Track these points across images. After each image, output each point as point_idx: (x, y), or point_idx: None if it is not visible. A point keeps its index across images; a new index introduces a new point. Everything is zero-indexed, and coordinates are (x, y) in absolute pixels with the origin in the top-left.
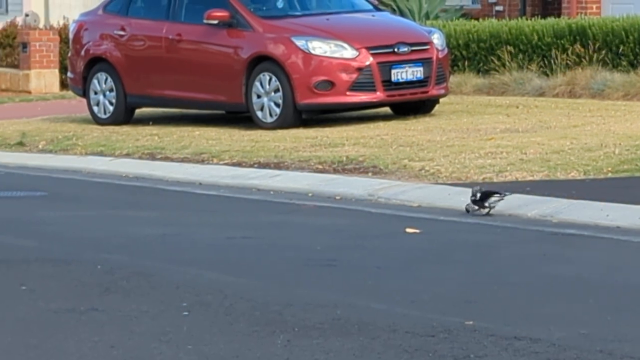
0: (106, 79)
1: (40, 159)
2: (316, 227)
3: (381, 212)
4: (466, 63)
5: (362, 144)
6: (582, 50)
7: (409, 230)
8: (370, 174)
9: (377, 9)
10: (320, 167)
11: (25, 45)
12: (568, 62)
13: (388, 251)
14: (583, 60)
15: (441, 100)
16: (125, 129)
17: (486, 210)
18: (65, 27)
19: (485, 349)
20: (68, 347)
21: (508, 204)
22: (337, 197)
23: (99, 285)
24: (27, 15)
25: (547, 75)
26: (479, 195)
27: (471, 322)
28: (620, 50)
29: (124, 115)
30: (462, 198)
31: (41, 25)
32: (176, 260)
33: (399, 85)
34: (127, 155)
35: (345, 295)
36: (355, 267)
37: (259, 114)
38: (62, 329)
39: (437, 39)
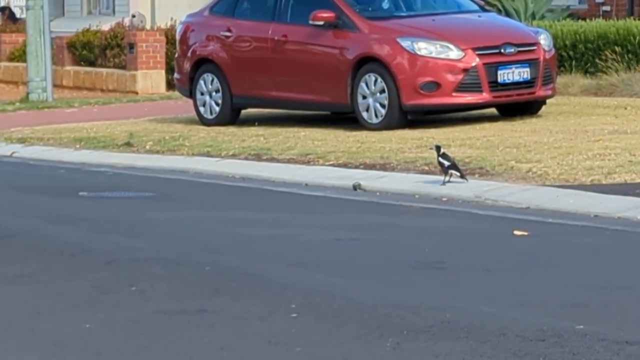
0: (212, 80)
1: (147, 160)
2: (423, 229)
3: (488, 214)
4: (573, 64)
5: (469, 145)
6: None
7: (517, 232)
8: (476, 175)
9: (483, 9)
10: (426, 168)
11: (132, 46)
12: None
13: (496, 253)
14: None
15: (548, 101)
16: (231, 129)
17: (446, 179)
18: (172, 28)
19: (596, 354)
20: (178, 349)
21: (616, 207)
22: (444, 199)
23: (208, 287)
24: (133, 16)
25: None
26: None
27: (582, 326)
28: None
29: (230, 116)
30: (570, 200)
31: (148, 26)
32: (284, 262)
33: (506, 86)
34: (234, 156)
35: (454, 298)
36: (464, 270)
37: (365, 114)
38: (172, 330)
39: (544, 40)
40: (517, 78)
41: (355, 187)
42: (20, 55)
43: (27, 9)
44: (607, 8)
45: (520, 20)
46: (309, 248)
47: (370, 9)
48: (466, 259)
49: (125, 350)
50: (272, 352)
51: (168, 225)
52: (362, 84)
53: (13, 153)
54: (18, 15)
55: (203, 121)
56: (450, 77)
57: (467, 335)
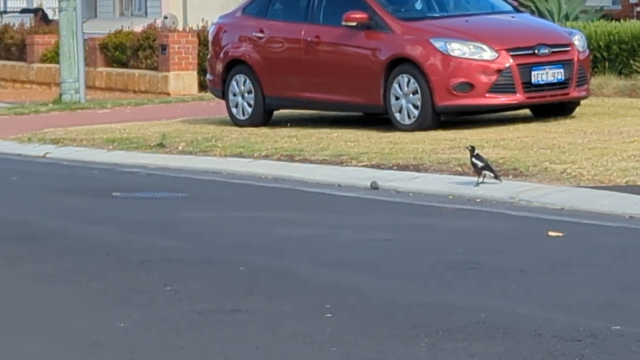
0: (245, 81)
1: (180, 160)
2: (457, 229)
3: (523, 215)
4: (607, 65)
5: (502, 146)
6: None
7: (551, 233)
8: (510, 176)
9: (516, 10)
10: (459, 169)
11: (164, 48)
12: None
13: (531, 254)
14: None
15: (582, 102)
16: (264, 130)
17: (480, 180)
18: (204, 29)
19: (633, 355)
20: (213, 348)
21: None
22: (478, 200)
23: (242, 286)
24: (165, 17)
25: None
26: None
27: (618, 327)
28: None
29: (263, 116)
30: (605, 201)
31: (180, 28)
32: (318, 262)
33: (539, 87)
34: (266, 156)
35: (489, 299)
36: (499, 271)
37: (397, 115)
38: (207, 329)
39: (578, 41)
40: (551, 79)
41: (373, 186)
42: (52, 56)
43: (60, 11)
44: None
45: (554, 21)
46: (343, 248)
47: (403, 9)
48: (501, 260)
49: (159, 350)
50: (307, 351)
51: (201, 225)
52: (395, 85)
53: (46, 154)
54: (50, 17)
55: (235, 122)
56: (483, 78)
57: (503, 336)
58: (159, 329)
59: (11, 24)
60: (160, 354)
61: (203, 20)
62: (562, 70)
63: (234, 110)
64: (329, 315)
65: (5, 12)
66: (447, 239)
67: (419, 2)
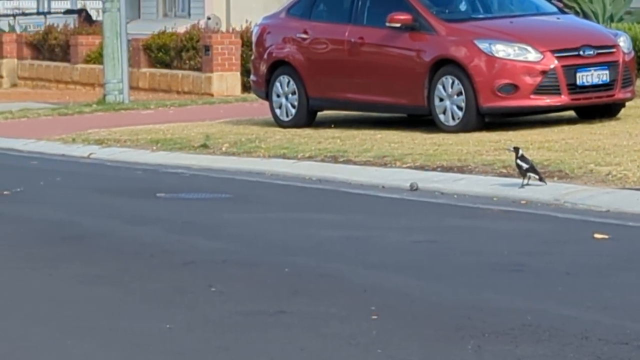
0: (288, 82)
1: (224, 161)
2: (502, 231)
3: (568, 217)
4: None
5: (547, 147)
6: None
7: (597, 235)
8: (555, 178)
9: (561, 11)
10: (504, 171)
11: (207, 49)
12: None
13: (577, 257)
14: None
15: (627, 104)
16: (308, 131)
17: (524, 181)
18: (247, 30)
19: None
20: (258, 350)
21: None
22: (522, 202)
23: (287, 288)
24: (209, 18)
25: None
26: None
27: None
28: None
29: (306, 118)
30: None
31: (223, 29)
32: (362, 263)
33: (584, 88)
34: (310, 158)
35: (535, 301)
36: (544, 273)
37: (442, 117)
38: (252, 331)
39: (623, 42)
40: (596, 80)
41: (413, 187)
42: (96, 57)
43: (104, 12)
44: None
45: (598, 23)
46: (387, 250)
47: (447, 10)
48: (546, 262)
49: (205, 351)
50: (353, 353)
51: (245, 226)
52: (439, 86)
53: (90, 154)
54: (94, 18)
55: (279, 123)
56: (528, 80)
57: (549, 338)
58: (203, 330)
59: (55, 25)
60: (204, 355)
61: (246, 21)
62: (607, 72)
63: (277, 111)
64: (374, 317)
65: (49, 13)
66: (491, 241)
67: (463, 3)
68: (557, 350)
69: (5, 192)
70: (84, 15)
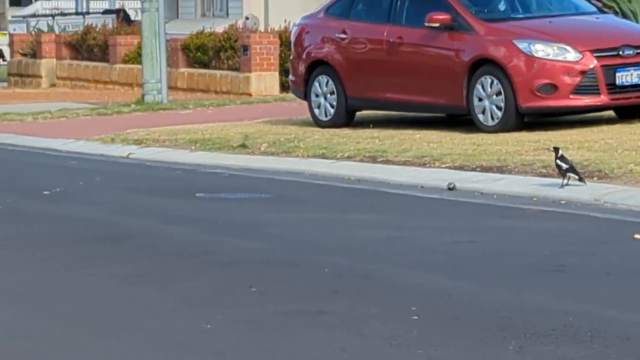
0: (327, 82)
1: (262, 161)
2: (542, 232)
3: (608, 217)
4: None
5: (587, 147)
6: None
7: (637, 236)
8: (595, 178)
9: (600, 11)
10: (543, 171)
11: (246, 48)
12: None
13: (617, 257)
14: None
15: None
16: (346, 131)
17: (564, 181)
18: (285, 30)
19: None
20: (299, 350)
21: None
22: (562, 202)
23: (327, 288)
24: (247, 18)
25: None
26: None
27: None
28: None
29: (345, 117)
30: None
31: (261, 28)
32: (402, 264)
33: (624, 88)
34: (349, 158)
35: (576, 302)
36: (585, 274)
37: (481, 117)
38: (293, 331)
39: None
40: (635, 80)
41: (450, 187)
42: (134, 57)
43: (143, 12)
44: None
45: (637, 22)
46: (427, 250)
47: (486, 10)
48: (586, 263)
49: (245, 351)
50: (394, 354)
51: (285, 226)
52: (478, 86)
53: (129, 154)
54: (132, 18)
55: (318, 123)
56: (567, 80)
57: (591, 340)
58: (244, 330)
59: (94, 25)
60: (245, 356)
61: (285, 20)
62: None
63: (316, 111)
64: (415, 317)
65: (87, 13)
66: (531, 241)
67: (502, 3)
68: (599, 352)
69: (44, 192)
70: (122, 15)
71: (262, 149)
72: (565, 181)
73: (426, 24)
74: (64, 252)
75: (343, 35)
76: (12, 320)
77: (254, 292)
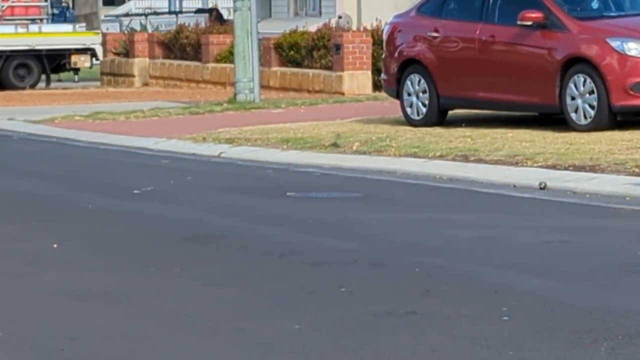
0: (419, 81)
1: (354, 160)
2: (635, 231)
3: None
4: None
5: None
6: None
7: None
8: None
9: None
10: (637, 170)
11: (338, 47)
12: None
13: None
14: None
15: None
16: (438, 130)
17: None
18: (378, 29)
19: None
20: (386, 351)
21: None
22: None
23: (417, 288)
24: (340, 17)
25: None
26: None
27: None
28: None
29: (437, 116)
30: None
31: (354, 27)
32: (494, 264)
33: None
34: (441, 157)
35: None
36: None
37: (573, 115)
38: (381, 332)
39: None
40: None
41: (541, 186)
42: (227, 56)
43: (235, 11)
44: None
45: None
46: (519, 250)
47: (578, 8)
48: None
49: (333, 352)
50: (485, 355)
51: (375, 226)
52: (571, 85)
53: (221, 153)
54: (225, 17)
55: (410, 122)
56: None
57: None
58: (332, 331)
59: (186, 24)
60: (333, 356)
61: (377, 19)
62: None
63: (408, 110)
64: (506, 318)
65: (180, 12)
66: (624, 241)
67: (595, 1)
68: None
69: (135, 191)
70: (215, 14)
71: (354, 148)
72: None
73: (519, 22)
74: (153, 251)
75: (435, 34)
76: (109, 321)
77: (343, 292)
